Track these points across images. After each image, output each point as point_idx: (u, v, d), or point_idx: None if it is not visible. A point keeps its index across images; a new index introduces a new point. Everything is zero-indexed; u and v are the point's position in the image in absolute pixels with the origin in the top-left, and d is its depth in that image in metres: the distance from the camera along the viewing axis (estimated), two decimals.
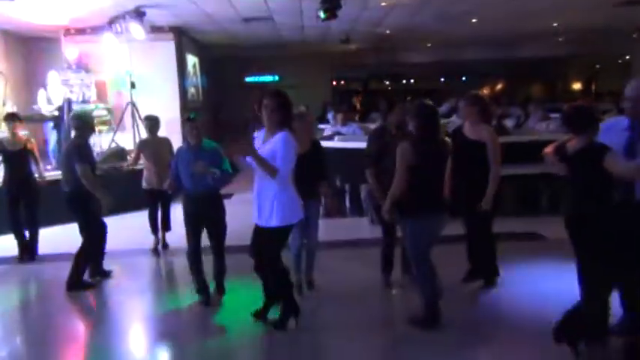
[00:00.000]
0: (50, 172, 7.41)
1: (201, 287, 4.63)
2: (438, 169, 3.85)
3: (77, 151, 5.04)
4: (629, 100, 3.32)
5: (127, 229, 6.84)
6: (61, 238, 6.42)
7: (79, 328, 4.75)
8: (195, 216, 4.58)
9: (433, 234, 3.92)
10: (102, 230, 5.36)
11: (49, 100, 9.15)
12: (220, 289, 4.77)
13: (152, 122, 6.33)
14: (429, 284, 3.91)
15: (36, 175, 6.32)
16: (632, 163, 3.15)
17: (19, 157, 6.09)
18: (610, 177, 3.13)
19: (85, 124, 5.27)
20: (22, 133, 6.32)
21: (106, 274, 5.48)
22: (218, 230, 4.67)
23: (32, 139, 6.55)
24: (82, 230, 5.16)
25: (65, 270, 5.11)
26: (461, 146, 4.32)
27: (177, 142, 6.34)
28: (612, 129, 3.41)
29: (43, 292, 5.58)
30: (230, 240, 4.70)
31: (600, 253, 3.17)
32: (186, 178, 4.54)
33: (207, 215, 4.59)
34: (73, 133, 5.36)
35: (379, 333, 4.05)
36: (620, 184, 3.23)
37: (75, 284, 5.09)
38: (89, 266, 5.30)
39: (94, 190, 5.00)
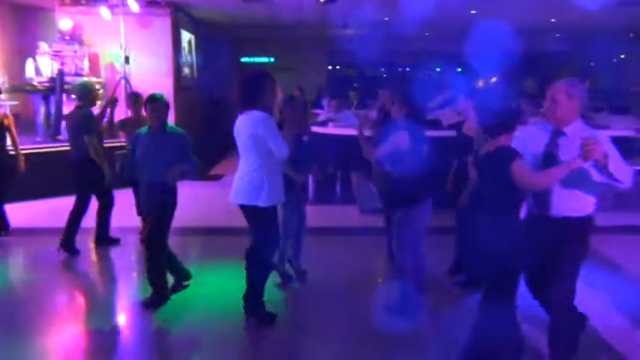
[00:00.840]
0: (39, 145, 7.33)
1: (173, 269, 4.47)
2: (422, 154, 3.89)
3: (86, 122, 5.25)
4: (548, 99, 3.07)
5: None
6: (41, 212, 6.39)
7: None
8: (149, 205, 4.26)
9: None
10: (110, 201, 5.56)
11: (37, 70, 9.00)
12: (153, 295, 4.23)
13: (135, 99, 5.88)
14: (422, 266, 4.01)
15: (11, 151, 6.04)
16: (540, 173, 2.87)
17: None
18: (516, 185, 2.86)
19: (89, 93, 5.48)
20: (10, 103, 6.25)
21: (115, 242, 5.71)
22: (160, 219, 4.19)
23: (9, 115, 6.22)
24: (77, 195, 5.40)
25: (40, 244, 5.29)
26: (461, 143, 4.41)
27: (168, 120, 6.27)
28: (535, 135, 3.15)
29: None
30: (220, 222, 4.70)
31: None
32: (145, 167, 4.17)
33: (157, 203, 4.18)
34: (76, 103, 5.49)
35: (366, 325, 4.08)
36: (532, 195, 3.03)
37: (66, 245, 5.34)
38: (94, 233, 5.60)
39: (100, 160, 5.17)
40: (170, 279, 4.44)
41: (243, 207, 3.81)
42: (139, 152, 4.18)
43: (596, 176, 2.89)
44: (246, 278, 3.89)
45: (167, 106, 4.22)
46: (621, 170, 2.84)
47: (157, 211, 4.16)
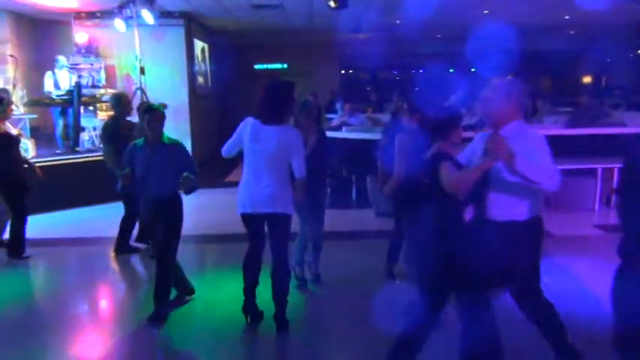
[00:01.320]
0: (57, 157, 7.47)
1: (177, 282, 4.37)
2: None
3: (104, 132, 5.65)
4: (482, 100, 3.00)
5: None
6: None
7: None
8: (153, 219, 4.15)
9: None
10: (133, 210, 5.63)
11: (56, 84, 9.16)
12: (156, 312, 4.08)
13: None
14: None
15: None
16: (454, 175, 2.78)
17: None
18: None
19: (118, 103, 5.70)
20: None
21: (135, 250, 5.85)
22: (170, 234, 4.08)
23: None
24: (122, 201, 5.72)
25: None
26: None
27: (184, 129, 6.36)
28: (478, 140, 3.06)
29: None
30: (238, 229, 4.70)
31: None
32: (146, 181, 4.04)
33: (163, 217, 4.08)
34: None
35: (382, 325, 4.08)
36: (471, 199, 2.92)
37: (120, 248, 5.75)
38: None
39: (113, 169, 5.33)
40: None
41: (272, 215, 3.76)
42: (138, 166, 4.02)
43: (508, 176, 2.76)
44: (276, 290, 3.84)
45: (164, 116, 4.07)
46: (535, 170, 2.69)
47: (166, 225, 4.05)
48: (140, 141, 4.10)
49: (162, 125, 4.03)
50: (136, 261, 5.72)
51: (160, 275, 4.08)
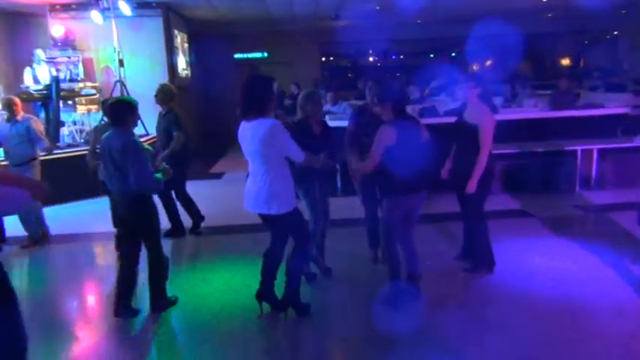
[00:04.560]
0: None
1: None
2: (415, 147, 3.83)
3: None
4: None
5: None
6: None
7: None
8: (120, 218, 4.11)
9: (407, 213, 4.00)
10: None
11: (35, 78, 9.03)
12: (158, 300, 4.19)
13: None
14: (393, 261, 4.07)
15: None
16: None
17: None
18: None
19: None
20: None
21: None
22: (151, 233, 4.10)
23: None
24: None
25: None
26: (459, 129, 4.45)
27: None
28: None
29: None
30: (220, 220, 4.71)
31: None
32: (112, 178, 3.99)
33: (133, 217, 4.02)
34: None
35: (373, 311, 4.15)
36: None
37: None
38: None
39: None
40: None
41: (266, 216, 3.77)
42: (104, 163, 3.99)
43: None
44: (287, 274, 3.91)
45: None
46: None
47: (144, 225, 4.03)
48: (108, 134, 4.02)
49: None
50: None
51: (154, 267, 4.14)
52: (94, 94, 9.59)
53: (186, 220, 6.12)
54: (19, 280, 5.28)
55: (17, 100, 6.04)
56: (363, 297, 4.26)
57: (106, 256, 5.68)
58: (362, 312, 3.99)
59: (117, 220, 4.16)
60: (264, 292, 4.03)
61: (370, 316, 3.87)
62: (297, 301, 3.98)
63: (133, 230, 4.06)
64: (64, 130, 8.99)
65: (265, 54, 17.18)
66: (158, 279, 4.16)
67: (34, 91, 8.77)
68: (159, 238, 4.17)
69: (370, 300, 4.07)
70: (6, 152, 6.02)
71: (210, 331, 3.92)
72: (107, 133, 4.03)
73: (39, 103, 8.75)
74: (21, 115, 5.93)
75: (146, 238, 4.08)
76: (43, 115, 8.64)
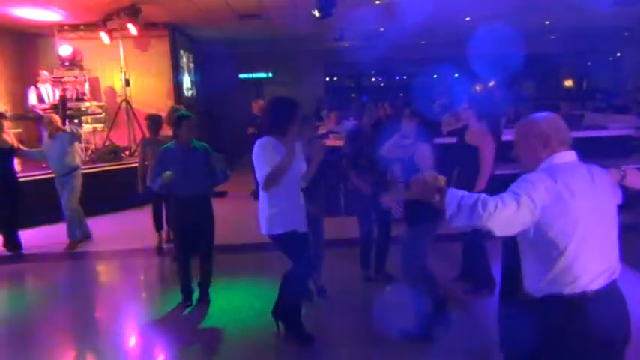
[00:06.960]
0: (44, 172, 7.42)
1: (186, 289, 4.64)
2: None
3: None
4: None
5: (127, 226, 6.86)
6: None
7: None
8: (186, 220, 4.46)
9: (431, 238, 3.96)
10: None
11: (40, 97, 9.10)
12: (205, 297, 4.66)
13: (152, 121, 6.29)
14: (431, 283, 3.97)
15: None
16: None
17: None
18: None
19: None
20: (14, 131, 6.66)
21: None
22: (208, 236, 4.56)
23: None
24: None
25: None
26: (460, 150, 4.47)
27: (170, 139, 6.37)
28: None
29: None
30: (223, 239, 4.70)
31: None
32: (182, 182, 4.32)
33: (198, 220, 4.48)
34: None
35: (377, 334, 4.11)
36: None
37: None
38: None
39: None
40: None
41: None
42: (174, 169, 4.27)
43: None
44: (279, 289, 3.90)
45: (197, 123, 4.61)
46: None
47: (208, 223, 4.51)
48: (172, 144, 4.46)
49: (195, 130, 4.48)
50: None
51: (205, 269, 4.59)
52: (100, 113, 9.68)
53: None
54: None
55: (56, 117, 6.70)
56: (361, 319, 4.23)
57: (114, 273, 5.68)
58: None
59: (183, 226, 4.47)
60: (278, 311, 3.97)
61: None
62: (290, 320, 3.90)
63: (203, 229, 4.49)
64: None
65: (270, 74, 17.33)
66: (210, 272, 4.61)
67: (41, 110, 8.86)
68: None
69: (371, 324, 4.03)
70: (51, 165, 6.54)
71: (212, 350, 3.90)
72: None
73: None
74: (60, 130, 6.42)
75: (211, 236, 4.54)
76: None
